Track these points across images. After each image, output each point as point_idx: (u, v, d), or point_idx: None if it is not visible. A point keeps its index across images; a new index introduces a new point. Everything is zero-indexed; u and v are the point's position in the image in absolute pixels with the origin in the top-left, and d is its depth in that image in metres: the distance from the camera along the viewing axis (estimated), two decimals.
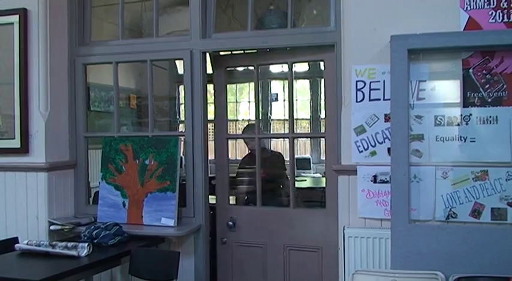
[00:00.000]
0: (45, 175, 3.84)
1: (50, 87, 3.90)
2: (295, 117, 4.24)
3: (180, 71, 7.69)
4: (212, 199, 4.02)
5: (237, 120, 8.77)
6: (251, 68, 3.99)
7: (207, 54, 3.95)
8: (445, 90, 3.13)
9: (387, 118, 3.19)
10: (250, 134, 4.64)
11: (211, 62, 4.36)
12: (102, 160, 3.94)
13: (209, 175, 3.92)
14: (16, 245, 3.39)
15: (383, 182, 3.20)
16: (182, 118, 7.92)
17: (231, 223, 3.88)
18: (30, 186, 3.87)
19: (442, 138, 3.10)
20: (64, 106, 4.05)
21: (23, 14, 3.85)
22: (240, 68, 6.97)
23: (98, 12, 4.80)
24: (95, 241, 3.42)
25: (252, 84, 8.43)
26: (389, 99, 3.13)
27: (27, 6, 3.87)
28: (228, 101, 4.12)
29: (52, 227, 3.78)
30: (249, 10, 3.80)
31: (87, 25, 4.17)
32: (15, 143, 3.87)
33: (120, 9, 4.09)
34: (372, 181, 3.23)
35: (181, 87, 8.08)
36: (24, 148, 3.85)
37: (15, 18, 3.87)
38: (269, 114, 8.59)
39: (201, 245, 3.77)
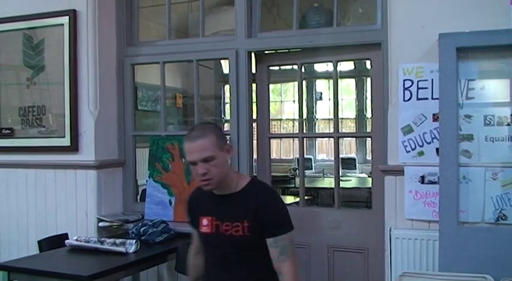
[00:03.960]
0: (94, 172, 3.93)
1: (99, 87, 3.98)
2: (340, 116, 4.19)
3: (225, 70, 7.74)
4: None
5: (281, 119, 8.77)
6: (295, 67, 3.98)
7: (252, 54, 3.96)
8: (495, 89, 3.05)
9: (435, 118, 3.12)
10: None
11: (255, 61, 4.36)
12: (150, 158, 4.00)
13: (254, 174, 3.93)
14: (66, 241, 3.48)
15: (431, 183, 3.14)
16: (227, 117, 7.96)
17: None
18: (80, 183, 3.96)
19: (491, 139, 3.01)
20: (113, 105, 4.13)
21: (73, 15, 3.94)
22: (285, 68, 6.95)
23: (146, 13, 4.87)
24: (143, 238, 3.48)
25: (296, 84, 8.42)
26: (437, 99, 3.06)
27: (77, 7, 3.96)
28: (272, 100, 4.11)
29: (101, 224, 3.87)
30: (294, 9, 3.79)
31: (134, 26, 4.25)
32: (66, 141, 3.97)
33: (167, 9, 4.14)
34: (419, 181, 3.17)
35: (227, 87, 8.13)
36: (74, 146, 3.95)
37: (65, 20, 3.96)
38: (314, 114, 8.55)
39: None
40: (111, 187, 4.07)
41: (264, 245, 2.40)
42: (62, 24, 3.97)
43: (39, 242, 3.59)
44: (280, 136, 7.37)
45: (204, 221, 2.50)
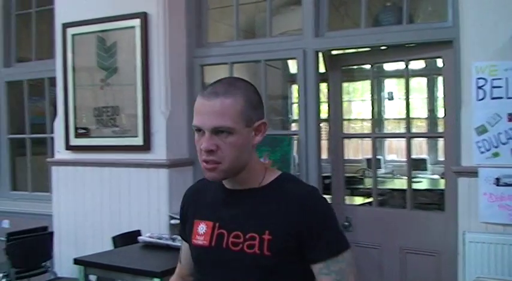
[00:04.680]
0: (166, 171, 4.01)
1: (170, 88, 4.06)
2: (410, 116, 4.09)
3: (292, 70, 7.73)
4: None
5: (349, 119, 8.66)
6: (364, 66, 3.93)
7: (320, 54, 3.93)
8: None
9: (511, 117, 3.01)
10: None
11: (324, 61, 4.34)
12: None
13: (322, 174, 3.91)
14: (139, 237, 3.58)
15: (507, 185, 3.02)
16: (294, 117, 7.95)
17: (346, 223, 3.83)
18: (152, 181, 4.05)
19: None
20: (183, 105, 4.20)
21: (144, 17, 4.03)
22: (353, 67, 6.88)
23: (214, 15, 4.94)
24: None
25: (365, 83, 8.30)
26: None
27: (148, 10, 4.04)
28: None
29: (172, 221, 3.94)
30: (362, 7, 3.74)
31: (203, 27, 4.31)
32: (138, 140, 4.08)
33: (235, 10, 4.19)
34: (494, 183, 3.05)
35: (294, 87, 8.12)
36: (146, 145, 4.05)
37: (136, 22, 4.06)
38: (383, 113, 8.40)
39: None
40: (182, 185, 4.11)
41: (296, 273, 1.56)
42: (134, 27, 4.07)
43: (113, 238, 3.71)
44: (353, 136, 7.31)
45: (200, 228, 1.64)
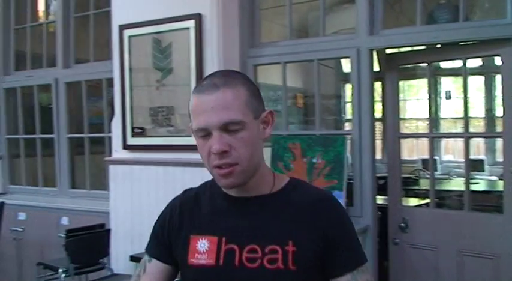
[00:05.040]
0: None
1: None
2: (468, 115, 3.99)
3: (346, 69, 7.66)
4: (379, 199, 3.95)
5: (404, 119, 8.52)
6: (419, 65, 3.86)
7: (374, 52, 3.88)
8: None
9: None
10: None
11: (378, 59, 4.29)
12: (271, 158, 4.05)
13: (376, 175, 3.86)
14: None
15: None
16: (348, 117, 7.88)
17: (403, 224, 3.77)
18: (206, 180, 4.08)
19: None
20: None
21: (198, 19, 4.07)
22: (408, 66, 6.77)
23: (267, 14, 4.95)
24: None
25: (420, 82, 8.16)
26: None
27: (202, 11, 4.08)
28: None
29: None
30: (417, 4, 3.67)
31: (256, 27, 4.32)
32: (192, 140, 4.09)
33: (287, 10, 4.18)
34: None
35: (347, 86, 8.05)
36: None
37: (191, 23, 4.11)
38: (439, 113, 8.22)
39: (368, 246, 3.72)
40: None
41: None
42: (188, 28, 4.11)
43: None
44: (410, 136, 7.21)
45: (200, 245, 1.41)
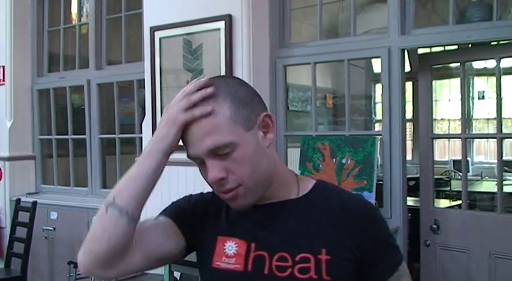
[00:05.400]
0: None
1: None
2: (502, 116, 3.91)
3: (376, 69, 7.60)
4: (409, 201, 3.91)
5: (435, 119, 8.42)
6: (451, 64, 3.82)
7: (405, 52, 3.85)
8: None
9: None
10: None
11: (409, 59, 4.24)
12: (301, 158, 4.05)
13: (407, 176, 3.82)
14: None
15: None
16: (378, 117, 7.82)
17: (434, 226, 3.72)
18: None
19: None
20: (267, 105, 4.21)
21: (228, 20, 4.08)
22: (438, 66, 6.70)
23: (297, 15, 4.94)
24: None
25: (452, 81, 8.05)
26: None
27: (232, 12, 4.08)
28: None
29: None
30: (450, 3, 3.62)
31: (286, 28, 4.31)
32: None
33: (318, 10, 4.16)
34: None
35: (377, 86, 7.98)
36: None
37: (221, 24, 4.12)
38: (471, 113, 8.11)
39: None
40: None
41: None
42: (218, 29, 4.12)
43: None
44: (442, 137, 7.13)
45: (229, 248, 1.33)
